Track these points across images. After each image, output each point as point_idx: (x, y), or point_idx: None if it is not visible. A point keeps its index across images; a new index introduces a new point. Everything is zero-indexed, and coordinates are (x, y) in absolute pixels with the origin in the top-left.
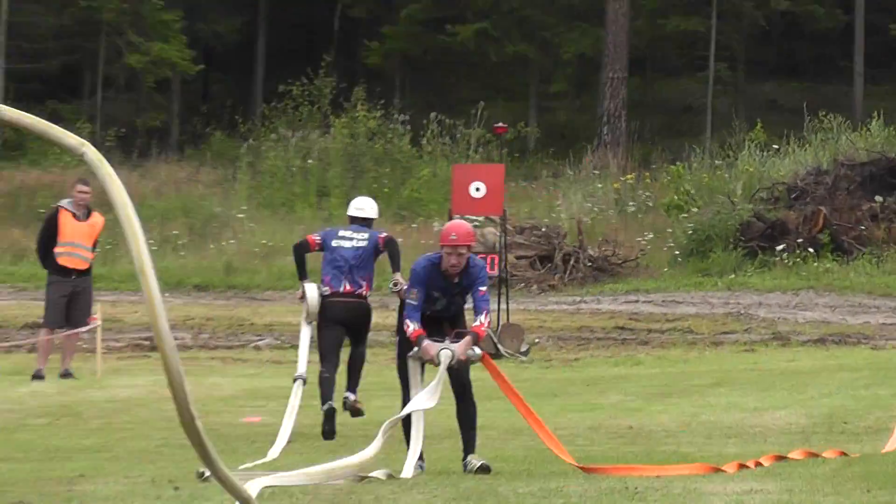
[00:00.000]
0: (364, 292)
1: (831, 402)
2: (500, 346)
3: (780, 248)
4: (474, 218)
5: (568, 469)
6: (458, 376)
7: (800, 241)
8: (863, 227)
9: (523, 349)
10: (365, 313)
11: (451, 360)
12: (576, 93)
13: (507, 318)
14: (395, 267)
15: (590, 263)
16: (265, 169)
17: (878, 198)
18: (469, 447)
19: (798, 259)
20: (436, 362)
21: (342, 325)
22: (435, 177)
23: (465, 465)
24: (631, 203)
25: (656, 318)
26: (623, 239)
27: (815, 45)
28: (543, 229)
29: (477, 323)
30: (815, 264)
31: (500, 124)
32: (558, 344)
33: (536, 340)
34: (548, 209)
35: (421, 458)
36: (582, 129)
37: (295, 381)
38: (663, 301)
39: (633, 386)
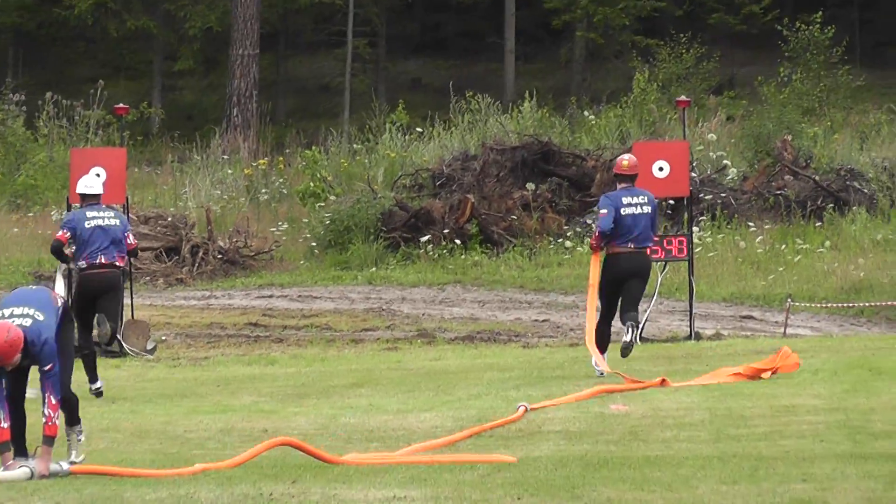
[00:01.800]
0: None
1: (480, 404)
2: (124, 345)
3: (424, 239)
4: None
5: (199, 475)
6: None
7: (446, 231)
8: (514, 217)
9: (149, 347)
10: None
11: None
12: (203, 71)
13: (132, 314)
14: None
15: (220, 256)
16: None
17: (530, 185)
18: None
19: (444, 251)
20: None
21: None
22: (52, 161)
23: None
24: (264, 190)
25: (292, 314)
26: (256, 229)
27: (462, 19)
28: (170, 219)
29: (44, 418)
30: (463, 257)
31: (122, 105)
32: (187, 341)
33: (163, 338)
34: (174, 197)
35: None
36: (210, 111)
37: None
38: (300, 296)
39: (268, 386)
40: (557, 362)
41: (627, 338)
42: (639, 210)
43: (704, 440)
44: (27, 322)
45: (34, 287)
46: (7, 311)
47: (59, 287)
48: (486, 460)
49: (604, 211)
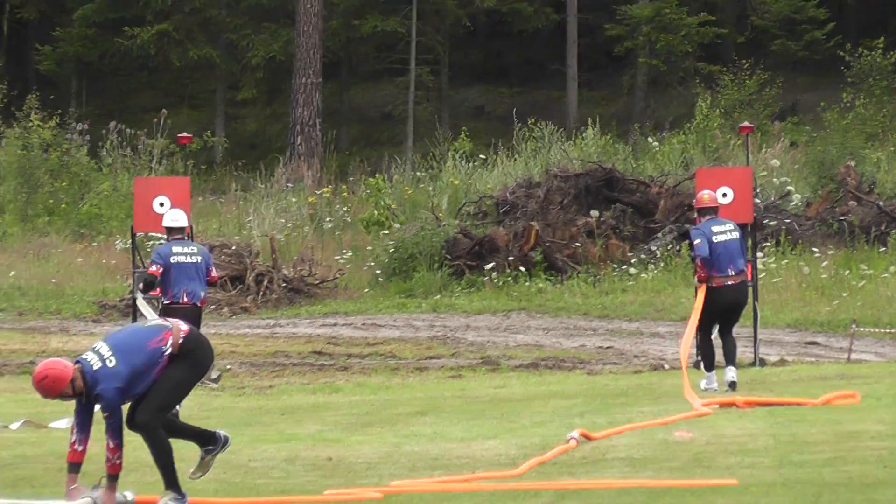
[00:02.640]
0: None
1: (544, 432)
2: None
3: (488, 266)
4: (160, 235)
5: None
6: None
7: (510, 259)
8: (578, 244)
9: (214, 376)
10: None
11: None
12: (266, 100)
13: None
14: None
15: (284, 284)
16: None
17: (594, 212)
18: (165, 482)
19: (508, 279)
20: None
21: None
22: (115, 191)
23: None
24: (328, 219)
25: (356, 343)
26: (320, 258)
27: (524, 47)
28: (234, 247)
29: (106, 457)
30: (527, 284)
31: (185, 134)
32: (251, 370)
33: (228, 367)
34: (238, 225)
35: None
36: (273, 139)
37: None
38: (364, 324)
39: (332, 415)
40: (622, 389)
41: (733, 376)
42: (728, 236)
43: (768, 466)
44: (97, 365)
45: (148, 325)
46: (97, 346)
47: (148, 312)
48: (706, 484)
49: (697, 241)
